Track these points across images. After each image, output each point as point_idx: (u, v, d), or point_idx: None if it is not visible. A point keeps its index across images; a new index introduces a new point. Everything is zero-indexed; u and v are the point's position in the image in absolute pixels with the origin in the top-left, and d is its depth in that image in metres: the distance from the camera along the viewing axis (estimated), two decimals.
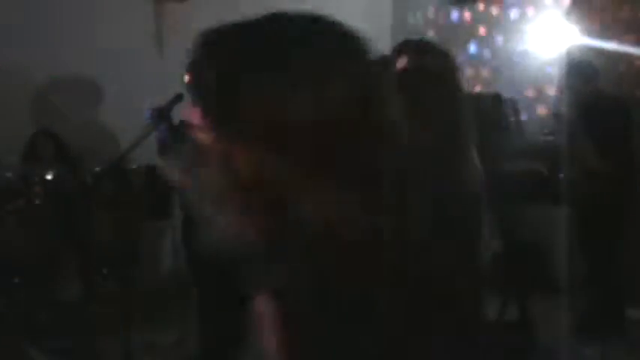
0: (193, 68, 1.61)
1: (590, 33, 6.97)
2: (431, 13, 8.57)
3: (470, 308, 3.17)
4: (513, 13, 7.77)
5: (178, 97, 4.99)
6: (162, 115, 5.20)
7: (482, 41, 8.05)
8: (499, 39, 7.90)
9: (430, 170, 2.98)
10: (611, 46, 6.78)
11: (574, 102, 6.13)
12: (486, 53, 8.01)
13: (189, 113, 1.55)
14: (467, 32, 8.20)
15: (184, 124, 4.34)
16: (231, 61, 1.50)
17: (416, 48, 4.30)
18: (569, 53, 7.06)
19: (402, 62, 4.01)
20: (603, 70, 6.29)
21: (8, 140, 6.50)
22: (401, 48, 4.31)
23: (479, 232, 3.14)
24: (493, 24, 7.94)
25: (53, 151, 6.52)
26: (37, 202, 6.04)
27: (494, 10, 7.95)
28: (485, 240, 3.18)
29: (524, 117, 6.19)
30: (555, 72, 7.20)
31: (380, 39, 6.59)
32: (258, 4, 6.97)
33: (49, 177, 6.03)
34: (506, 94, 6.36)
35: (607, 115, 5.97)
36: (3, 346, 5.60)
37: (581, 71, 6.17)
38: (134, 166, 6.20)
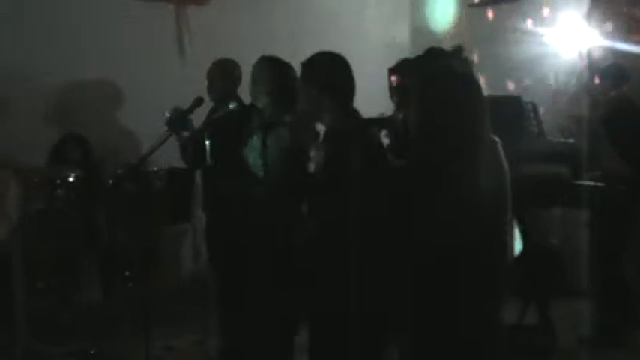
0: None
1: (609, 35, 6.95)
2: (450, 15, 8.57)
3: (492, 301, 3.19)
4: (534, 16, 7.75)
5: (198, 101, 5.01)
6: (182, 118, 5.23)
7: (503, 44, 8.04)
8: (519, 42, 7.88)
9: (456, 167, 3.01)
10: (632, 48, 6.75)
11: (600, 104, 6.10)
12: (507, 55, 7.99)
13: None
14: (487, 34, 8.19)
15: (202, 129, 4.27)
16: None
17: (438, 54, 4.32)
18: (593, 55, 7.04)
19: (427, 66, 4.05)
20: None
21: (31, 143, 6.54)
22: (425, 54, 4.34)
23: (504, 229, 3.16)
24: (513, 26, 7.93)
25: (79, 154, 6.56)
26: (59, 204, 6.07)
27: (515, 13, 7.93)
28: (512, 238, 3.22)
29: (544, 119, 6.16)
30: (576, 74, 7.18)
31: (400, 41, 6.53)
32: (277, 8, 7.04)
33: (71, 179, 6.06)
34: (526, 96, 6.34)
35: (632, 119, 5.94)
36: (26, 347, 5.64)
37: (612, 73, 6.12)
38: (155, 169, 6.22)
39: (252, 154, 4.76)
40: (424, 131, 3.11)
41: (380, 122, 4.03)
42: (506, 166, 3.20)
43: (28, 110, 6.71)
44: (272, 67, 4.88)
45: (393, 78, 5.03)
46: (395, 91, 4.93)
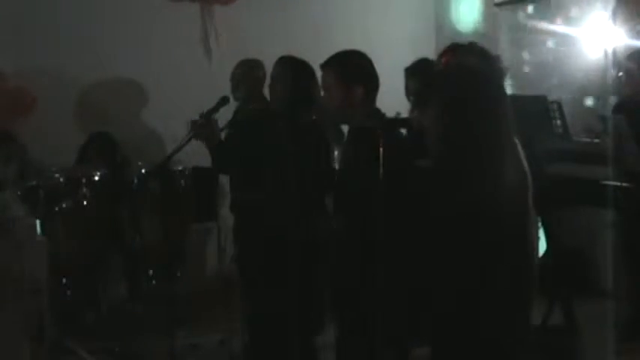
0: None
1: (635, 34, 6.90)
2: (476, 14, 8.55)
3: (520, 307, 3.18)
4: (559, 15, 7.72)
5: (224, 100, 5.03)
6: (208, 116, 5.25)
7: (527, 43, 8.01)
8: (544, 41, 7.85)
9: (472, 169, 3.00)
10: None
11: (626, 100, 6.05)
12: (532, 54, 7.96)
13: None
14: (512, 33, 8.16)
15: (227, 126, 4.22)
16: None
17: (462, 49, 4.31)
18: (619, 54, 6.98)
19: (446, 61, 4.04)
20: None
21: (58, 142, 6.58)
22: (447, 49, 4.32)
23: (526, 232, 3.14)
24: (538, 26, 7.89)
25: (106, 153, 6.59)
26: (84, 202, 6.10)
27: (539, 12, 7.90)
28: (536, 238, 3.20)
29: (569, 119, 6.12)
30: (601, 73, 7.14)
31: (424, 40, 6.51)
32: (302, 7, 7.06)
33: (96, 178, 6.09)
34: (551, 96, 6.31)
35: None
36: (51, 346, 5.67)
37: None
38: (180, 168, 6.24)
39: (277, 153, 4.77)
40: (444, 131, 3.09)
41: (400, 122, 4.03)
42: (526, 167, 3.18)
43: (56, 109, 6.75)
44: (290, 67, 4.89)
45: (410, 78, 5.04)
46: (411, 91, 4.93)
